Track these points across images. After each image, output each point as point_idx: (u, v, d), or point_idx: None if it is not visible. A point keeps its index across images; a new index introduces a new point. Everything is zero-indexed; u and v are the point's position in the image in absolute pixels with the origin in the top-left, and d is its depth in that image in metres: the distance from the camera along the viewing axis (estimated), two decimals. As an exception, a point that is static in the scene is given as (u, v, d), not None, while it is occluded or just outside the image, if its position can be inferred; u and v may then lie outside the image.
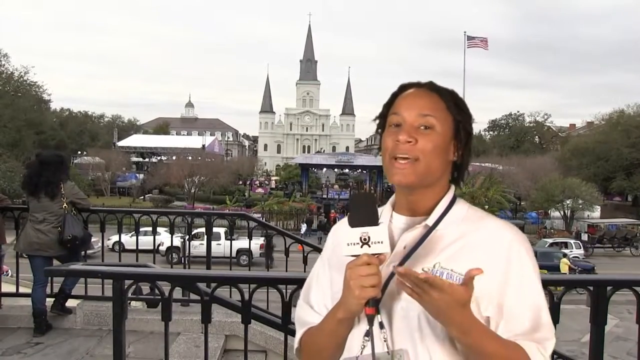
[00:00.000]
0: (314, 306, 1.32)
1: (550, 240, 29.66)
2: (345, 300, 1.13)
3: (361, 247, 1.09)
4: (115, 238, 14.04)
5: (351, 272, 1.11)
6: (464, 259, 1.17)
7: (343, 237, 1.13)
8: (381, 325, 1.13)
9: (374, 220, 1.11)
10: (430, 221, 1.24)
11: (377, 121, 1.33)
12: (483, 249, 1.19)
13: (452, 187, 1.31)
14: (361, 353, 1.17)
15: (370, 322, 1.12)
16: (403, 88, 1.30)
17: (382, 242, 1.10)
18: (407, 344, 1.16)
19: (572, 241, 29.65)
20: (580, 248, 29.04)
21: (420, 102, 1.24)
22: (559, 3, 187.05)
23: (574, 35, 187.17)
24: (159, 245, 16.78)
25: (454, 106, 1.26)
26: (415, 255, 1.21)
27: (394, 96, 1.30)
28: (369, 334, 1.15)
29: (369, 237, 1.09)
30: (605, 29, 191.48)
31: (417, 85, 1.30)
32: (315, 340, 1.26)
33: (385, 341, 1.14)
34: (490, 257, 1.17)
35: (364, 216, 1.12)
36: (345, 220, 1.38)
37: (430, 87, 1.28)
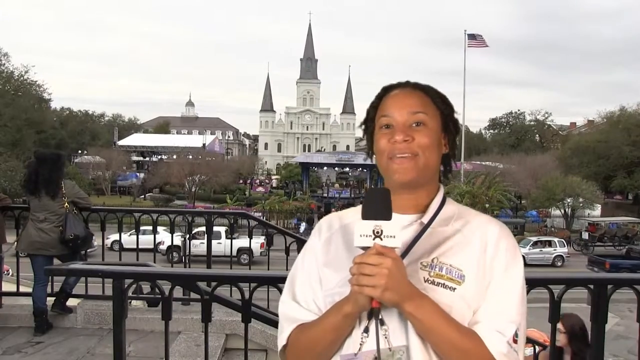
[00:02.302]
0: (301, 302, 1.29)
1: (534, 239, 29.65)
2: (355, 294, 1.12)
3: (373, 239, 1.10)
4: (112, 237, 14.04)
5: (360, 267, 1.10)
6: (460, 254, 1.22)
7: (356, 228, 1.13)
8: (382, 322, 1.13)
9: (387, 215, 1.12)
10: (426, 219, 1.27)
11: (363, 126, 1.36)
12: (475, 244, 1.24)
13: (442, 187, 1.34)
14: (360, 349, 1.16)
15: (376, 315, 1.12)
16: (387, 90, 1.33)
17: (394, 237, 1.10)
18: (406, 341, 1.16)
19: (555, 239, 29.56)
20: (564, 246, 28.98)
21: (409, 100, 1.28)
22: (562, 1, 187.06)
23: (578, 34, 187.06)
24: (158, 244, 16.81)
25: (440, 101, 1.31)
26: (412, 252, 1.23)
27: (379, 99, 1.33)
28: (368, 330, 1.15)
29: (381, 231, 1.10)
30: (610, 27, 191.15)
31: (401, 85, 1.33)
32: (310, 337, 1.23)
33: (386, 337, 1.13)
34: (481, 252, 1.23)
35: (378, 210, 1.12)
36: (330, 216, 1.40)
37: (414, 85, 1.32)
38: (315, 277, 1.30)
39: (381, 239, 1.10)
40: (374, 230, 1.10)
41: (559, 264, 27.63)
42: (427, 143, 1.24)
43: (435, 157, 1.28)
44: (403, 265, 1.12)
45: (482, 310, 1.19)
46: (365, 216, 1.13)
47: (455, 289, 1.19)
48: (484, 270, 1.21)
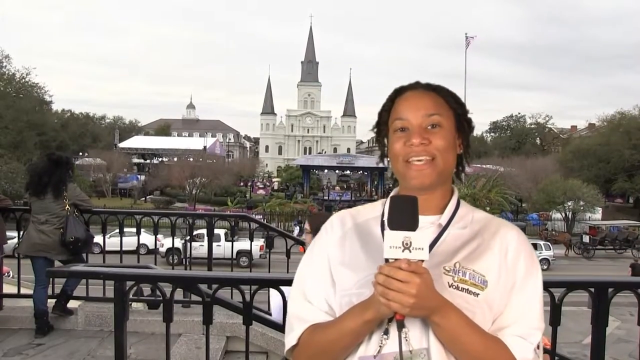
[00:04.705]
0: (312, 301, 1.26)
1: None
2: (378, 302, 1.10)
3: (402, 251, 1.07)
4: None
5: (387, 281, 1.07)
6: (481, 259, 1.21)
7: (385, 239, 1.10)
8: (403, 324, 1.11)
9: (414, 225, 1.09)
10: (444, 220, 1.26)
11: (376, 130, 1.34)
12: (496, 250, 1.23)
13: (456, 189, 1.33)
14: (379, 352, 1.15)
15: (400, 327, 1.10)
16: (398, 92, 1.31)
17: (422, 249, 1.08)
18: (425, 343, 1.15)
19: (541, 242, 29.19)
20: (550, 249, 28.62)
21: (422, 102, 1.26)
22: (565, 5, 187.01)
23: (581, 37, 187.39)
24: (139, 246, 16.66)
25: (453, 101, 1.29)
26: (432, 254, 1.20)
27: (391, 101, 1.30)
28: (387, 332, 1.14)
29: (410, 242, 1.07)
30: (614, 31, 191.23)
31: (412, 87, 1.31)
32: (325, 339, 1.20)
33: (406, 340, 1.12)
34: (502, 258, 1.22)
35: (406, 220, 1.10)
36: (342, 213, 1.38)
37: (426, 86, 1.30)
38: (327, 276, 1.27)
39: (410, 251, 1.07)
40: (403, 242, 1.08)
41: (545, 267, 27.02)
42: (444, 145, 1.23)
43: (452, 158, 1.26)
44: (431, 278, 1.10)
45: (505, 317, 1.18)
46: (393, 226, 1.10)
47: (478, 294, 1.18)
48: (506, 276, 1.20)
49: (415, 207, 1.11)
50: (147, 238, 18.00)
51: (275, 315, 3.29)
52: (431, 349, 1.14)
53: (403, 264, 1.06)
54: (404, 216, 1.10)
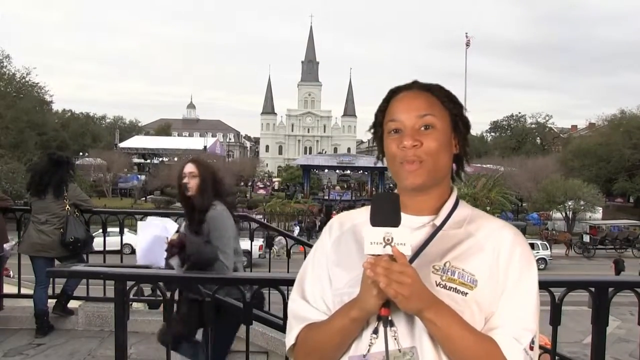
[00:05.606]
0: (310, 301, 1.28)
1: None
2: (363, 299, 1.11)
3: (384, 247, 1.08)
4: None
5: (374, 268, 1.06)
6: (472, 259, 1.20)
7: (365, 235, 1.10)
8: (391, 323, 1.11)
9: (396, 221, 1.10)
10: (438, 221, 1.25)
11: (373, 130, 1.34)
12: (489, 250, 1.22)
13: (455, 189, 1.32)
14: (368, 351, 1.15)
15: (385, 323, 1.11)
16: (393, 92, 1.30)
17: (404, 244, 1.08)
18: (415, 342, 1.15)
19: (538, 242, 29.06)
20: (547, 249, 28.53)
21: (415, 103, 1.25)
22: (567, 4, 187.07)
23: (582, 37, 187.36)
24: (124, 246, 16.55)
25: (448, 100, 1.28)
26: (424, 254, 1.21)
27: (386, 102, 1.30)
28: (377, 331, 1.14)
29: (392, 238, 1.08)
30: (616, 30, 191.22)
31: (407, 87, 1.30)
32: (318, 337, 1.22)
33: (395, 339, 1.12)
34: (495, 258, 1.21)
35: (387, 216, 1.10)
36: (341, 216, 1.39)
37: (421, 86, 1.29)
38: (325, 276, 1.28)
39: (392, 247, 1.07)
40: (384, 238, 1.08)
41: (542, 267, 26.50)
42: (435, 147, 1.22)
43: (446, 159, 1.25)
44: (417, 274, 1.10)
45: (497, 317, 1.18)
46: (374, 222, 1.10)
47: (467, 293, 1.17)
48: (498, 276, 1.19)
49: (397, 203, 1.11)
50: (132, 238, 17.74)
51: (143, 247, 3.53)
52: (420, 348, 1.14)
53: (383, 260, 1.06)
54: (385, 213, 1.10)
